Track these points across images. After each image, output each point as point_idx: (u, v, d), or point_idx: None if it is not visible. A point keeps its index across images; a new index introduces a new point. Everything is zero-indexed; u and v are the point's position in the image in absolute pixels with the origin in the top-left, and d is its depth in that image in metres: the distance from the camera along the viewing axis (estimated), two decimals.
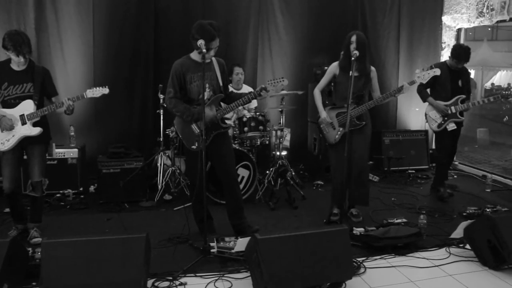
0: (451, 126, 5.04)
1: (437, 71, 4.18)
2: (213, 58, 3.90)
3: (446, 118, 5.04)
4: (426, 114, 5.23)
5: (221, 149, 3.95)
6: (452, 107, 5.01)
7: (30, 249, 3.31)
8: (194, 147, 3.87)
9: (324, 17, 6.50)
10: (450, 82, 5.03)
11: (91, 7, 5.62)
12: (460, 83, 5.07)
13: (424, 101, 5.21)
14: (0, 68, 3.75)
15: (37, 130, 3.75)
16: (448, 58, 5.13)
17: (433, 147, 7.08)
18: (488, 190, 5.63)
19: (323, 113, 4.31)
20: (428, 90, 5.17)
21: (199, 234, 3.95)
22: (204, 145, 3.50)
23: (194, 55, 3.82)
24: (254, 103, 5.73)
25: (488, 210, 4.62)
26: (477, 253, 3.58)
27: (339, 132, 4.20)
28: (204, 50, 3.50)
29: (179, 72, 3.77)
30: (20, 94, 3.72)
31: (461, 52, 4.93)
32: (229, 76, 5.52)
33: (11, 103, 3.72)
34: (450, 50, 5.03)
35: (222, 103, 3.97)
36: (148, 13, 5.83)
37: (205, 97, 3.82)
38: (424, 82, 4.27)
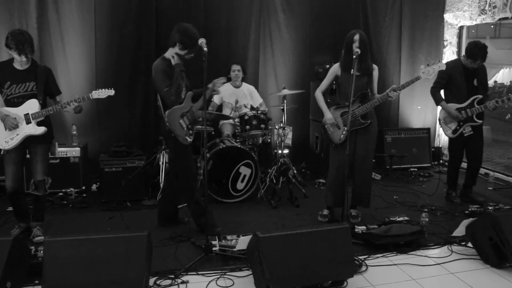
0: (468, 131, 4.73)
1: (442, 65, 4.03)
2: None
3: (461, 123, 4.75)
4: (439, 120, 4.97)
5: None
6: (468, 110, 4.69)
7: (32, 247, 3.32)
8: (187, 140, 3.92)
9: (325, 15, 6.49)
10: (465, 82, 4.73)
11: (93, 6, 5.62)
12: (475, 82, 4.73)
13: (437, 104, 4.95)
14: (3, 67, 3.76)
15: (41, 129, 3.76)
16: (462, 56, 4.80)
17: (435, 145, 7.10)
18: (491, 188, 5.62)
19: (328, 114, 4.27)
20: (442, 92, 4.93)
21: (200, 232, 3.97)
22: (206, 147, 3.53)
23: (170, 56, 3.89)
24: (259, 100, 5.75)
25: (490, 208, 4.60)
26: (479, 251, 3.57)
27: (344, 132, 4.16)
28: (205, 49, 3.52)
29: (167, 71, 3.83)
30: (24, 93, 3.73)
31: (476, 51, 4.59)
32: (227, 74, 5.57)
33: (15, 102, 3.73)
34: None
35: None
36: (149, 12, 5.83)
37: (183, 96, 3.91)
38: (430, 77, 4.08)
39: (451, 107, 4.78)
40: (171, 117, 3.85)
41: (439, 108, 4.98)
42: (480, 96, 4.71)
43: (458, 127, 4.78)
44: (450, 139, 4.98)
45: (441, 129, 6.74)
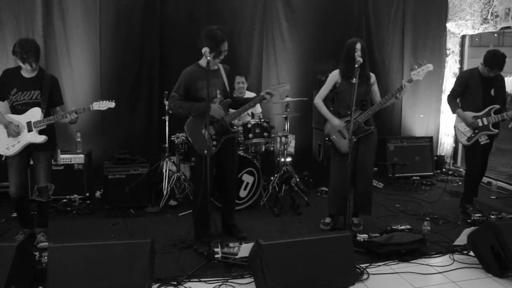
0: (484, 139, 4.64)
1: (430, 66, 4.03)
2: (220, 65, 3.98)
3: (476, 131, 4.66)
4: (455, 127, 4.87)
5: (229, 154, 4.04)
6: (484, 119, 4.62)
7: (37, 253, 3.36)
8: (205, 152, 3.87)
9: (328, 23, 6.51)
10: (481, 91, 4.65)
11: (98, 14, 5.68)
12: (492, 92, 4.66)
13: (453, 112, 4.85)
14: (11, 74, 3.82)
15: (42, 138, 3.79)
16: (480, 65, 4.69)
17: (438, 153, 7.10)
18: (493, 197, 5.61)
19: (336, 120, 4.23)
20: (458, 100, 4.85)
21: (200, 241, 3.99)
22: (209, 151, 3.56)
23: (203, 62, 3.81)
24: (258, 109, 5.78)
25: (492, 217, 4.62)
26: (481, 260, 3.58)
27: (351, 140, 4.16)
28: (209, 58, 3.55)
29: (188, 81, 3.82)
30: (28, 100, 3.78)
31: (494, 60, 4.52)
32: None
33: (19, 109, 3.78)
34: (483, 56, 4.63)
35: (230, 109, 4.04)
36: (154, 21, 5.89)
37: (217, 103, 3.89)
38: (421, 78, 4.07)
39: (467, 115, 4.70)
40: (190, 127, 3.88)
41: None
42: (497, 106, 4.65)
43: (473, 135, 4.69)
44: (466, 148, 4.88)
45: (444, 137, 6.76)
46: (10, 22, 5.40)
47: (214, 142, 3.91)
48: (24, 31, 5.42)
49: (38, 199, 3.93)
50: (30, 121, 3.77)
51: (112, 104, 3.88)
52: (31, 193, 4.05)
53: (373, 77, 4.27)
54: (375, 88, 4.28)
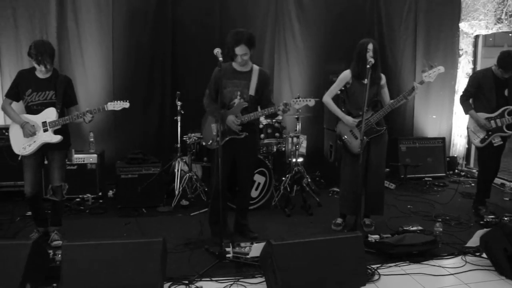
0: (497, 141, 4.58)
1: (442, 69, 4.01)
2: (257, 68, 4.01)
3: (490, 133, 4.60)
4: (468, 128, 4.82)
5: (240, 152, 4.04)
6: (498, 120, 4.56)
7: (51, 251, 3.40)
8: (204, 143, 4.14)
9: (340, 24, 6.51)
10: (495, 92, 4.59)
11: (111, 15, 5.75)
12: (506, 92, 4.59)
13: (466, 113, 4.79)
14: (26, 75, 3.88)
15: (57, 138, 3.85)
16: (494, 66, 4.62)
17: (451, 154, 7.05)
18: (507, 199, 5.56)
19: (348, 117, 4.21)
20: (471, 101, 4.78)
21: (215, 239, 4.01)
22: (220, 150, 3.59)
23: (235, 63, 3.92)
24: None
25: (505, 218, 4.57)
26: (494, 262, 3.54)
27: (363, 141, 4.14)
28: (221, 59, 3.57)
29: (217, 77, 3.85)
30: (43, 101, 3.84)
31: (508, 61, 4.44)
32: None
33: (34, 109, 3.84)
34: (496, 57, 4.55)
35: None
36: (166, 22, 5.94)
37: (235, 104, 3.93)
38: (432, 80, 4.06)
39: (480, 116, 4.65)
40: (204, 119, 4.11)
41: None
42: (511, 107, 4.57)
43: (486, 137, 4.63)
44: (479, 150, 4.82)
45: (457, 138, 6.68)
46: (25, 23, 5.49)
47: (218, 138, 3.94)
48: (38, 32, 5.50)
49: (52, 198, 3.98)
50: (45, 121, 3.82)
51: (126, 105, 3.92)
52: (46, 192, 4.10)
53: (383, 79, 4.24)
54: (385, 90, 4.26)
